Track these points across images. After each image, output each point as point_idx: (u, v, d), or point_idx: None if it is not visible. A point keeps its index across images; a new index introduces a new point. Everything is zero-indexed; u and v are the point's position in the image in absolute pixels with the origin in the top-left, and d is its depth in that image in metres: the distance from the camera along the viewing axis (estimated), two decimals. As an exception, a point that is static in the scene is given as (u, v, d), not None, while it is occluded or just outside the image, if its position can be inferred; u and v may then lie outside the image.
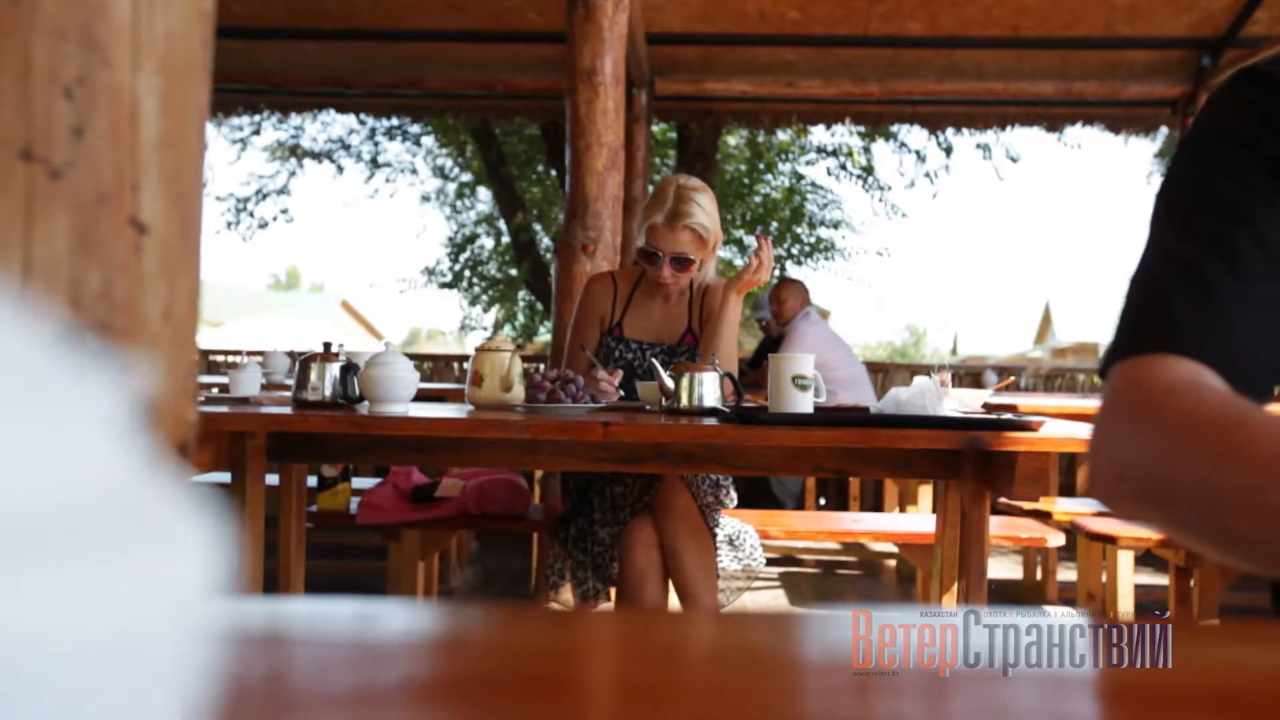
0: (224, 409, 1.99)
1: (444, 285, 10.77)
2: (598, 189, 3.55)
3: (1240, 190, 0.74)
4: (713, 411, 2.02)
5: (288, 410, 2.00)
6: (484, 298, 10.79)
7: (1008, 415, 1.93)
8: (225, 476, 2.05)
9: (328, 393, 2.06)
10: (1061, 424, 2.32)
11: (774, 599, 3.96)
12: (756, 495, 5.02)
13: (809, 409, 1.89)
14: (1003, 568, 4.72)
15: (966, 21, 5.96)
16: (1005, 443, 1.72)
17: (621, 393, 2.31)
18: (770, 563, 4.72)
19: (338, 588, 3.93)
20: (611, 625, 0.51)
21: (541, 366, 5.93)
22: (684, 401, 2.06)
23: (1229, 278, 0.72)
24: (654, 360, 2.20)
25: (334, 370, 2.07)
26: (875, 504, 5.23)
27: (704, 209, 2.39)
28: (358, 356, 2.10)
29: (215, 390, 2.32)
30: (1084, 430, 2.13)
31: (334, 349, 2.10)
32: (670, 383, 2.08)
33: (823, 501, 5.59)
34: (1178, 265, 0.74)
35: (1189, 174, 0.79)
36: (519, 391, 2.17)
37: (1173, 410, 0.66)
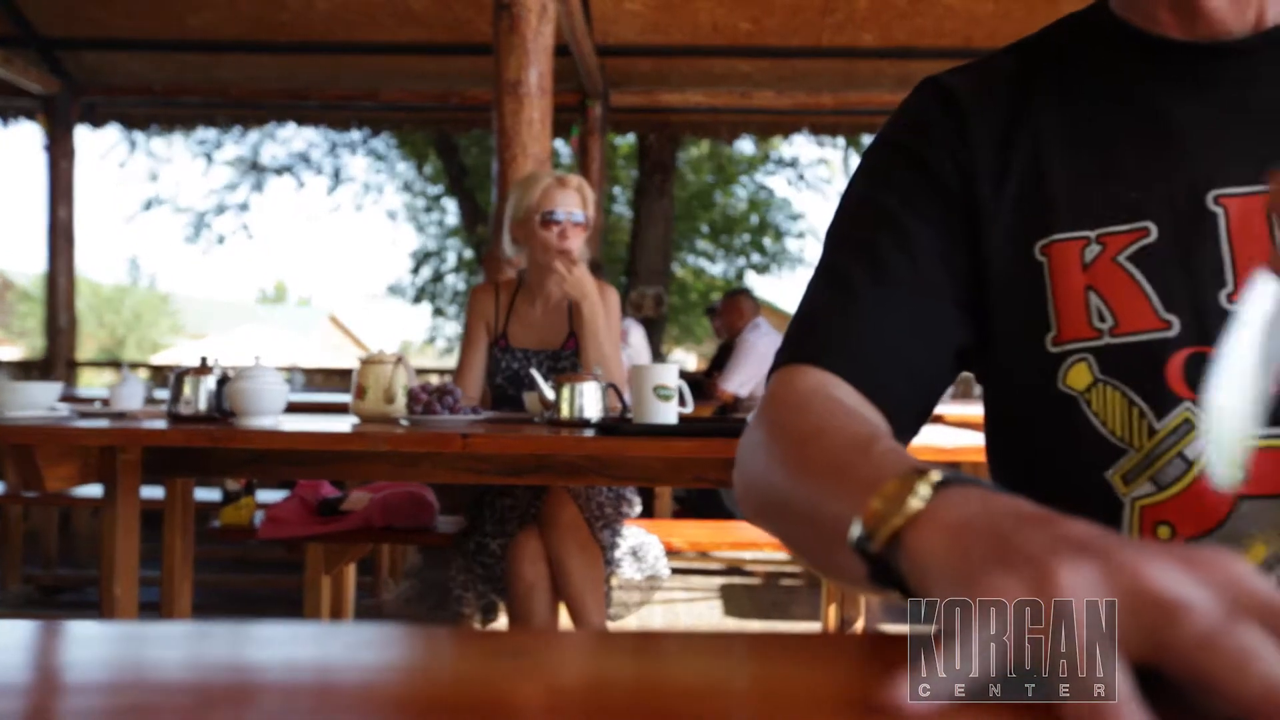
0: (103, 423, 1.97)
1: (399, 295, 10.73)
2: (523, 200, 3.54)
3: (894, 198, 0.73)
4: (590, 422, 2.00)
5: (162, 425, 1.98)
6: (449, 311, 10.76)
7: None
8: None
9: (202, 406, 2.05)
10: (948, 431, 2.31)
11: (709, 610, 3.94)
12: (705, 504, 5.00)
13: (673, 419, 1.87)
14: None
15: (919, 32, 5.98)
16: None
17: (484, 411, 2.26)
18: (713, 574, 4.69)
19: (253, 603, 3.89)
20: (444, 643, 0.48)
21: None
22: (564, 412, 2.04)
23: (873, 286, 0.71)
24: (533, 371, 2.18)
25: (209, 384, 2.05)
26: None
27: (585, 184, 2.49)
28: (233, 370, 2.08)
29: (98, 404, 2.29)
30: (967, 437, 2.12)
31: (210, 362, 2.08)
32: (550, 394, 2.07)
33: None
34: (829, 275, 0.74)
35: (857, 184, 0.78)
36: (402, 404, 2.15)
37: (778, 424, 0.65)
